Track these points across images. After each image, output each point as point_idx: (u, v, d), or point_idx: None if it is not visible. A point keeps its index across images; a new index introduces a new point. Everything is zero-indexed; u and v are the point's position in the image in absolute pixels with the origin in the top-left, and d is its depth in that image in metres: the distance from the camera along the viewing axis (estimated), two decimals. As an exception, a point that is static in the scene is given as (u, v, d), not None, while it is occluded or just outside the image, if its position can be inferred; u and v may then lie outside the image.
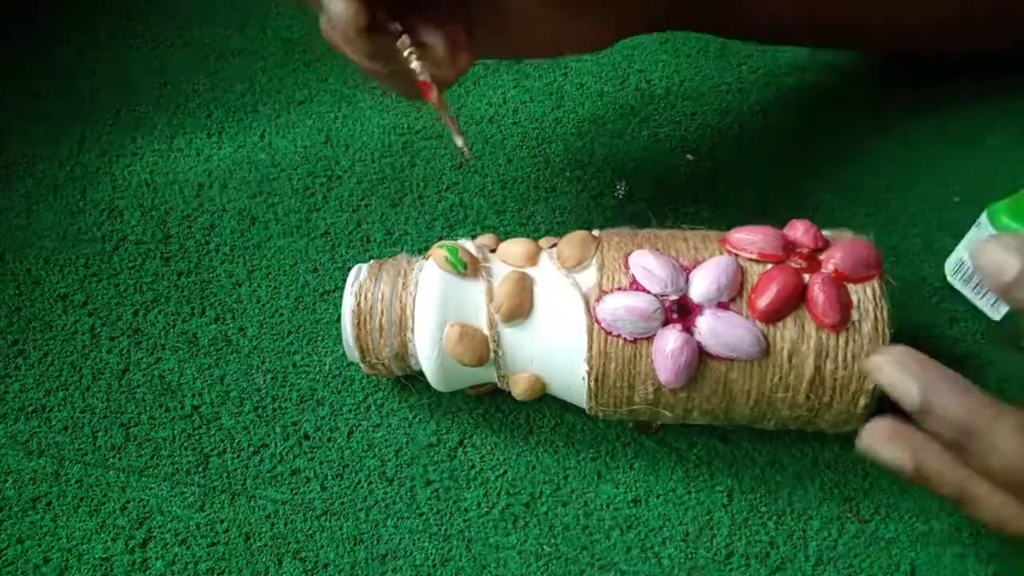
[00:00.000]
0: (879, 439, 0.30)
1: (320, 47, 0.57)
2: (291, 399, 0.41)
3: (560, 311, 0.35)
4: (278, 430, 0.40)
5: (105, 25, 0.59)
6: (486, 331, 0.35)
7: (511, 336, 0.35)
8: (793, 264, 0.34)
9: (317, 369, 0.42)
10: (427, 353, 0.36)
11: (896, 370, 0.29)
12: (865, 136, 0.51)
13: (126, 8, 0.60)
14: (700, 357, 0.33)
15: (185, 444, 0.39)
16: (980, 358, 0.41)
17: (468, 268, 0.36)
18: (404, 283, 0.37)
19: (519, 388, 0.36)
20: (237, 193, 0.49)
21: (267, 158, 0.51)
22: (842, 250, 0.34)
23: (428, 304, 0.36)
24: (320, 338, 0.43)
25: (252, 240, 0.47)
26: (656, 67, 0.56)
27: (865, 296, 0.33)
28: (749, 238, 0.35)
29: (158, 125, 0.53)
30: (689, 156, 0.51)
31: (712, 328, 0.33)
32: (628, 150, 0.51)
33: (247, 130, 0.53)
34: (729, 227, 0.37)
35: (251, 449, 0.39)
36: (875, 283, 0.34)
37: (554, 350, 0.35)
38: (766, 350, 0.33)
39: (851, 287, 0.34)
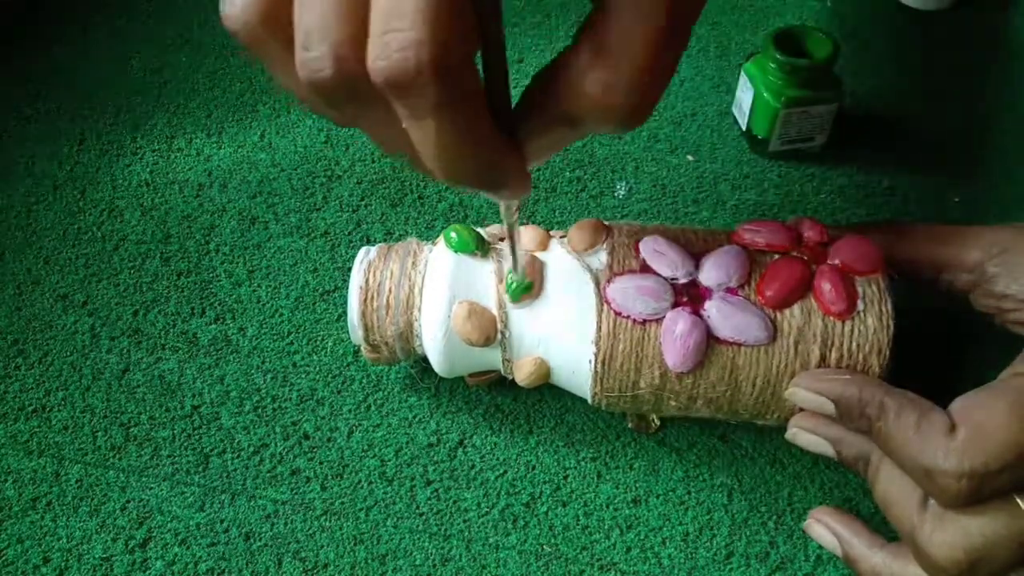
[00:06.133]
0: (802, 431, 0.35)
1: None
2: (291, 399, 0.41)
3: (570, 293, 0.35)
4: (278, 430, 0.40)
5: (105, 25, 0.59)
6: (495, 311, 0.35)
7: (519, 317, 0.35)
8: (800, 255, 0.34)
9: (317, 368, 0.42)
10: (433, 331, 0.36)
11: (809, 393, 0.33)
12: (865, 136, 0.51)
13: (126, 8, 0.60)
14: (708, 341, 0.33)
15: (185, 444, 0.39)
16: (979, 354, 0.41)
17: (479, 249, 0.36)
18: (414, 262, 0.37)
19: (524, 372, 0.36)
20: (237, 193, 0.49)
21: (267, 158, 0.51)
22: (847, 245, 0.35)
23: (438, 281, 0.36)
24: (320, 338, 0.43)
25: (252, 240, 0.47)
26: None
27: (870, 288, 0.34)
28: (758, 230, 0.35)
29: (158, 125, 0.53)
30: (689, 156, 0.51)
31: (721, 311, 0.33)
32: (628, 150, 0.51)
33: (247, 130, 0.53)
34: (729, 228, 0.37)
35: (251, 449, 0.39)
36: (879, 276, 0.34)
37: (562, 332, 0.35)
38: (773, 335, 0.33)
39: (856, 279, 0.34)
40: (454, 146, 0.22)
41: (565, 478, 0.38)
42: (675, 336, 0.33)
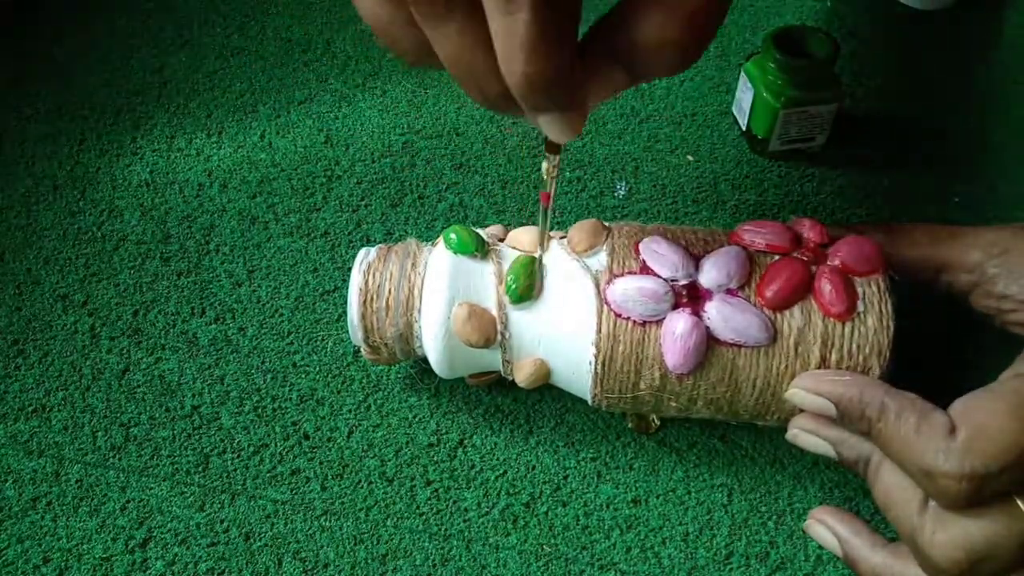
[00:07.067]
0: (803, 431, 0.35)
1: (319, 46, 0.57)
2: (291, 399, 0.41)
3: (570, 294, 0.35)
4: (278, 430, 0.40)
5: (105, 25, 0.59)
6: (495, 312, 0.35)
7: (519, 318, 0.35)
8: (801, 256, 0.34)
9: (317, 368, 0.42)
10: (433, 332, 0.36)
11: (809, 394, 0.33)
12: (865, 136, 0.51)
13: (126, 8, 0.60)
14: (708, 342, 0.33)
15: (185, 444, 0.39)
16: (979, 354, 0.41)
17: (479, 250, 0.36)
18: (414, 264, 0.37)
19: (524, 373, 0.36)
20: (237, 193, 0.49)
21: (267, 158, 0.51)
22: (847, 245, 0.35)
23: (438, 282, 0.36)
24: (320, 338, 0.43)
25: (252, 240, 0.47)
26: (656, 67, 0.56)
27: (870, 289, 0.34)
28: (758, 231, 0.35)
29: (158, 125, 0.53)
30: (689, 157, 0.51)
31: (721, 312, 0.33)
32: (628, 150, 0.51)
33: (247, 130, 0.53)
34: (729, 228, 0.37)
35: (251, 449, 0.39)
36: (879, 277, 0.34)
37: (562, 333, 0.35)
38: (773, 337, 0.33)
39: (856, 280, 0.34)
40: (541, 44, 0.22)
41: (565, 478, 0.38)
42: (675, 337, 0.33)
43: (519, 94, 0.24)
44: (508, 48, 0.23)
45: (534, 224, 0.48)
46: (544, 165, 0.31)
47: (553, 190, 0.32)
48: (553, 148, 0.30)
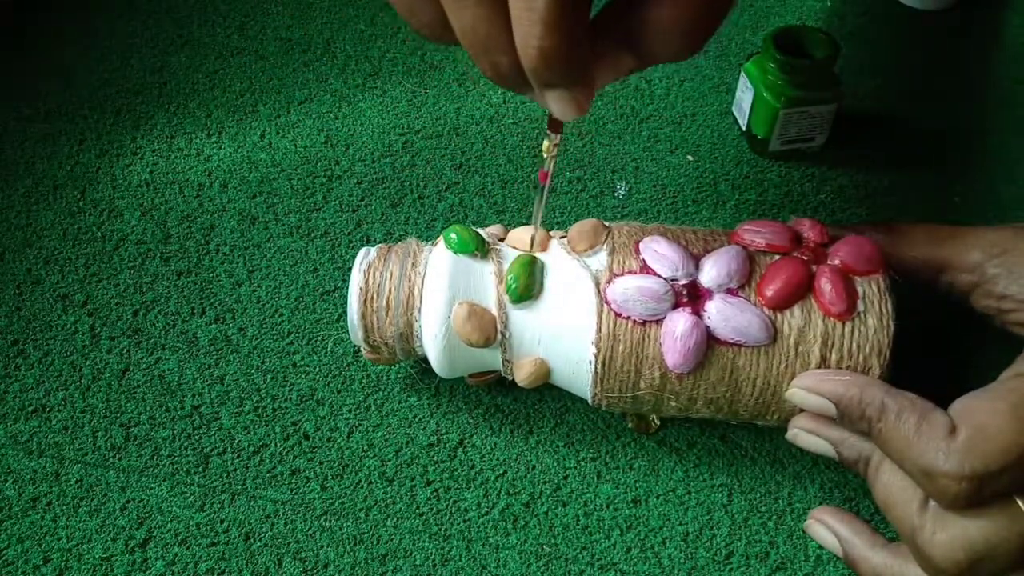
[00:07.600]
0: (803, 431, 0.35)
1: (319, 46, 0.57)
2: (291, 399, 0.41)
3: (570, 293, 0.35)
4: (278, 430, 0.40)
5: (105, 25, 0.59)
6: (495, 311, 0.35)
7: (519, 317, 0.35)
8: (801, 256, 0.34)
9: (317, 368, 0.42)
10: (434, 331, 0.36)
11: (810, 394, 0.33)
12: (865, 136, 0.51)
13: (126, 8, 0.60)
14: (708, 342, 0.33)
15: (185, 444, 0.39)
16: (979, 354, 0.41)
17: (479, 249, 0.36)
18: (414, 263, 0.37)
19: (524, 372, 0.36)
20: (237, 193, 0.49)
21: (267, 158, 0.51)
22: (847, 245, 0.35)
23: (438, 281, 0.36)
24: (320, 338, 0.43)
25: (252, 240, 0.47)
26: (656, 67, 0.56)
27: (870, 289, 0.34)
28: (758, 230, 0.35)
29: (158, 125, 0.53)
30: (689, 157, 0.51)
31: (722, 312, 0.33)
32: (628, 150, 0.51)
33: (247, 130, 0.53)
34: (729, 228, 0.37)
35: (251, 449, 0.39)
36: (879, 277, 0.34)
37: (562, 332, 0.35)
38: (773, 336, 0.33)
39: (856, 280, 0.34)
40: (558, 19, 0.23)
41: (565, 478, 0.38)
42: (675, 337, 0.33)
43: (531, 68, 0.24)
44: (526, 21, 0.23)
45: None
46: (545, 143, 0.32)
47: (552, 169, 0.33)
48: (556, 126, 0.31)
